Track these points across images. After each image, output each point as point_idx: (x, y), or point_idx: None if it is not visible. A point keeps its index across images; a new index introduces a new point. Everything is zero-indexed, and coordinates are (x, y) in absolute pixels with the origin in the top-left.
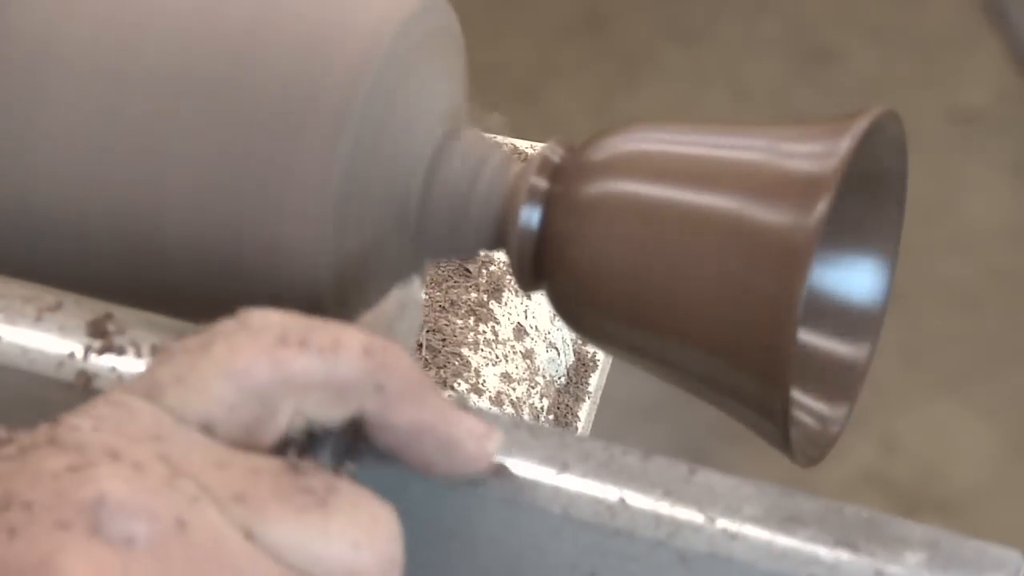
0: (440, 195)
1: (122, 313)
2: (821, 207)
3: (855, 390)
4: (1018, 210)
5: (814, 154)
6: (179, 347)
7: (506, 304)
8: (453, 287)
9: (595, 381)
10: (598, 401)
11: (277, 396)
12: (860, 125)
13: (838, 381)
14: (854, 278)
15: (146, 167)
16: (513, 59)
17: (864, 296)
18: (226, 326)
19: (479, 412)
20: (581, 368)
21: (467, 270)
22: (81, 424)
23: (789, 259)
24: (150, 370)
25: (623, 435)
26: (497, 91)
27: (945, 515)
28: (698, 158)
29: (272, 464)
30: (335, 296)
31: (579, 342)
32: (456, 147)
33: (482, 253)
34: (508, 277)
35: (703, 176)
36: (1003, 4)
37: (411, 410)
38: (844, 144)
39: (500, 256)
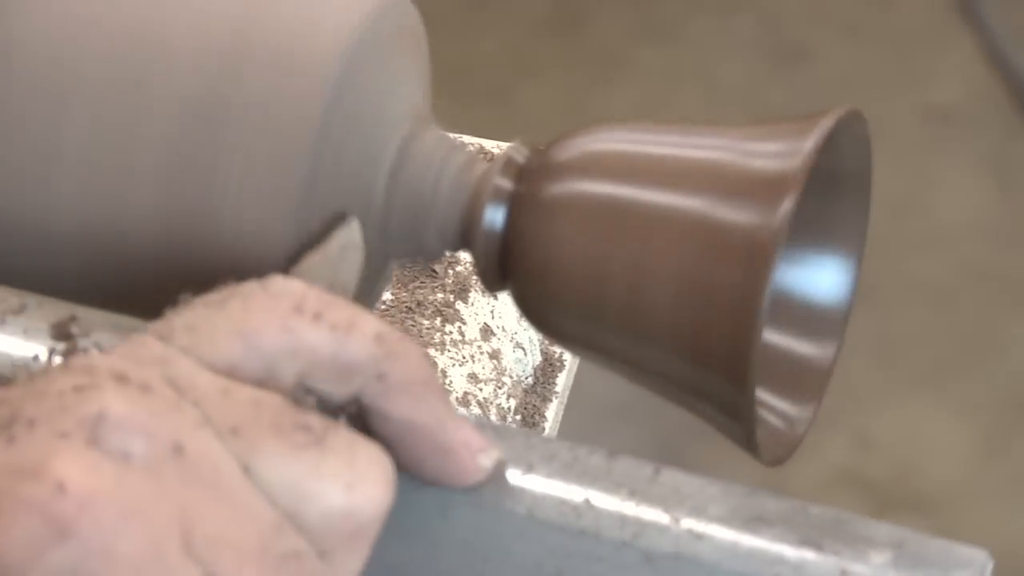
0: (404, 196)
1: (86, 315)
2: (786, 206)
3: (821, 390)
4: (990, 207)
5: (779, 153)
6: (199, 300)
7: (472, 304)
8: (419, 288)
9: (562, 381)
10: (565, 401)
11: (282, 362)
12: (825, 124)
13: (804, 381)
14: (820, 277)
15: (109, 170)
16: (485, 58)
17: (830, 295)
18: (247, 287)
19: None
20: (548, 368)
21: (433, 271)
22: (92, 351)
23: (754, 258)
24: (166, 318)
25: (591, 435)
26: (469, 91)
27: (920, 513)
28: (663, 158)
29: (274, 399)
30: None
31: (546, 342)
32: (420, 148)
33: (448, 254)
34: (475, 278)
35: (668, 176)
36: (975, 2)
37: (408, 405)
38: (809, 143)
39: (466, 257)
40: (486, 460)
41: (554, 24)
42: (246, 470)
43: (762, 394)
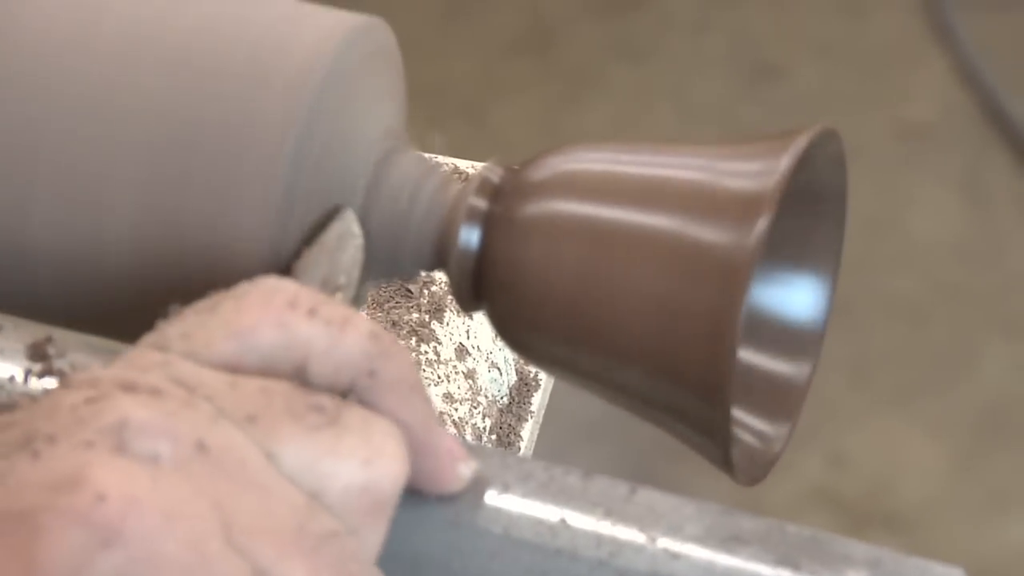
0: (379, 216)
1: (62, 335)
2: (761, 225)
3: (796, 409)
4: (964, 225)
5: (754, 172)
6: (189, 309)
7: (448, 324)
8: (395, 308)
9: (537, 401)
10: (541, 421)
11: (278, 358)
12: (800, 143)
13: (779, 400)
14: (795, 296)
15: (86, 189)
16: (459, 77)
17: (805, 314)
18: (239, 288)
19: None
20: (523, 388)
21: (408, 291)
22: (91, 366)
23: (729, 277)
24: (159, 329)
25: (566, 455)
26: (442, 110)
27: (893, 530)
28: (637, 177)
29: (282, 385)
30: None
31: (521, 362)
32: (395, 168)
33: (423, 274)
34: (450, 297)
35: (642, 195)
36: (948, 19)
37: (395, 404)
38: (784, 162)
39: (441, 276)
40: (466, 470)
41: (527, 43)
42: (268, 457)
43: (738, 413)
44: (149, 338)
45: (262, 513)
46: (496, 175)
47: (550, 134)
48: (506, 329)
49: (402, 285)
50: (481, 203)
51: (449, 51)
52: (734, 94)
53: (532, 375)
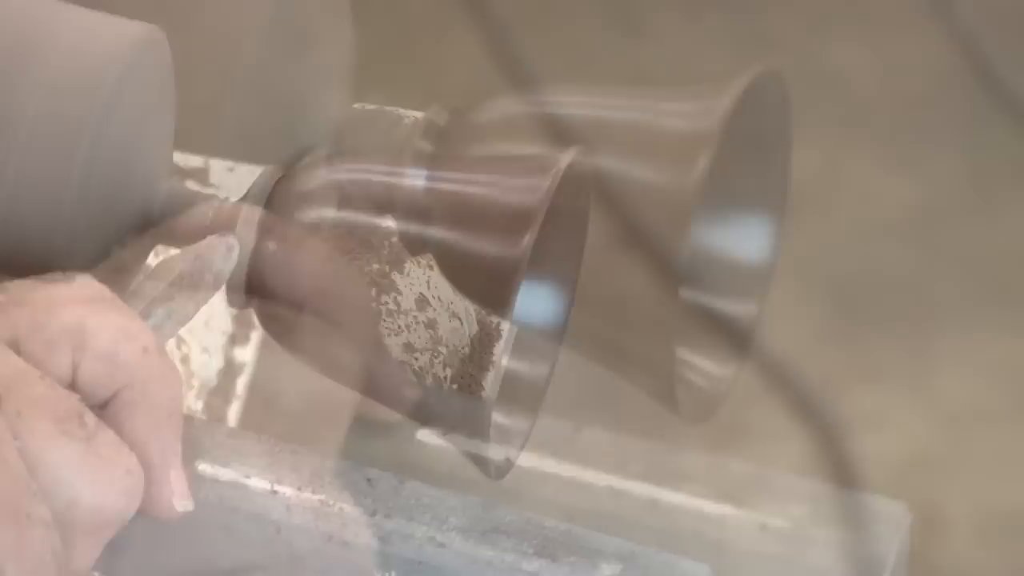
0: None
1: None
2: (702, 164)
3: (743, 350)
4: (963, 193)
5: (695, 112)
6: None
7: (408, 275)
8: (355, 259)
9: (499, 350)
10: (502, 372)
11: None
12: (740, 84)
13: (726, 340)
14: (742, 238)
15: None
16: (459, 55)
17: (752, 255)
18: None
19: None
20: (485, 337)
21: (369, 242)
22: None
23: (671, 217)
24: None
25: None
26: (442, 87)
27: None
28: (581, 119)
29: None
30: None
31: (483, 312)
32: (346, 119)
33: (384, 225)
34: None
35: (585, 136)
36: None
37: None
38: (724, 102)
39: None
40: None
41: (527, 20)
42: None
43: (684, 352)
44: None
45: None
46: (442, 118)
47: None
48: (452, 271)
49: (363, 237)
50: (427, 146)
51: (449, 29)
52: (731, 68)
53: (494, 325)
